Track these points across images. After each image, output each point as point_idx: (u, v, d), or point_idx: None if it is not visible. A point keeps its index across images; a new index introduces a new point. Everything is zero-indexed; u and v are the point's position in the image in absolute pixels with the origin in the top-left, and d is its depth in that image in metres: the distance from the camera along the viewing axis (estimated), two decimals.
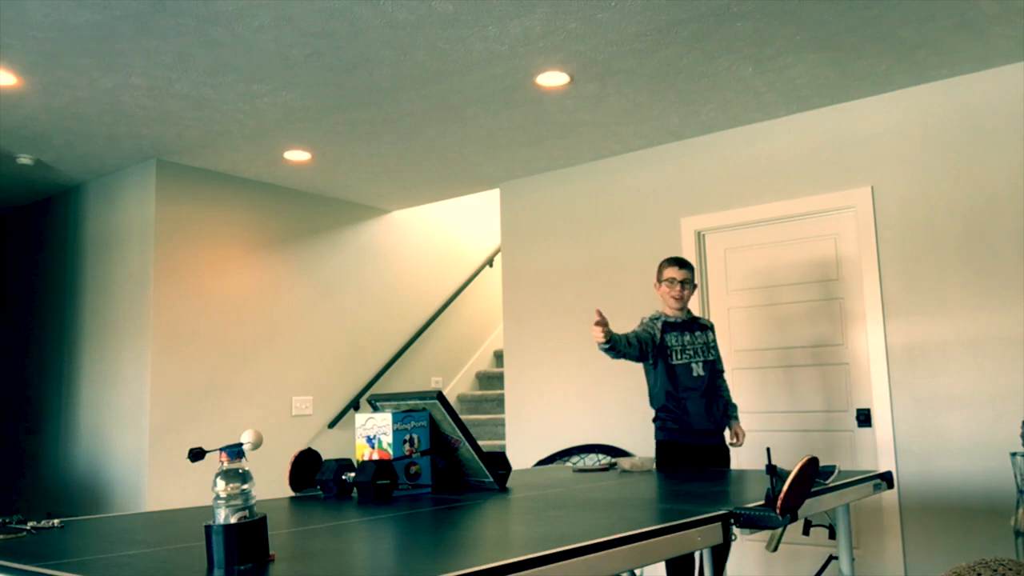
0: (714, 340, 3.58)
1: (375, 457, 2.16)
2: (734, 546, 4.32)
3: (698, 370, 3.46)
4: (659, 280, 3.57)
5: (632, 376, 4.72)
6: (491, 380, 6.63)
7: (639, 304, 4.75)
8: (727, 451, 3.53)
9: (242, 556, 1.11)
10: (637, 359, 3.41)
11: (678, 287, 3.50)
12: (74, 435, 5.08)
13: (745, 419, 4.36)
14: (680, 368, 3.46)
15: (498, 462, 2.24)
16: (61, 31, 3.14)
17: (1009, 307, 3.64)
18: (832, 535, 2.65)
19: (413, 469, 2.16)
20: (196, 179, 4.95)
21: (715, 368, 3.54)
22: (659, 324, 3.50)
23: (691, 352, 3.49)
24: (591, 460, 4.75)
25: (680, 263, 3.54)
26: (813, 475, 1.72)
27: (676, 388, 3.43)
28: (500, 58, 3.48)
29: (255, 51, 3.36)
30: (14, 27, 3.10)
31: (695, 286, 3.57)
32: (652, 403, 3.52)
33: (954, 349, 3.77)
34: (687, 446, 3.42)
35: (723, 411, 3.52)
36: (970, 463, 3.69)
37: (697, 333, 3.54)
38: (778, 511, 1.65)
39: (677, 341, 3.49)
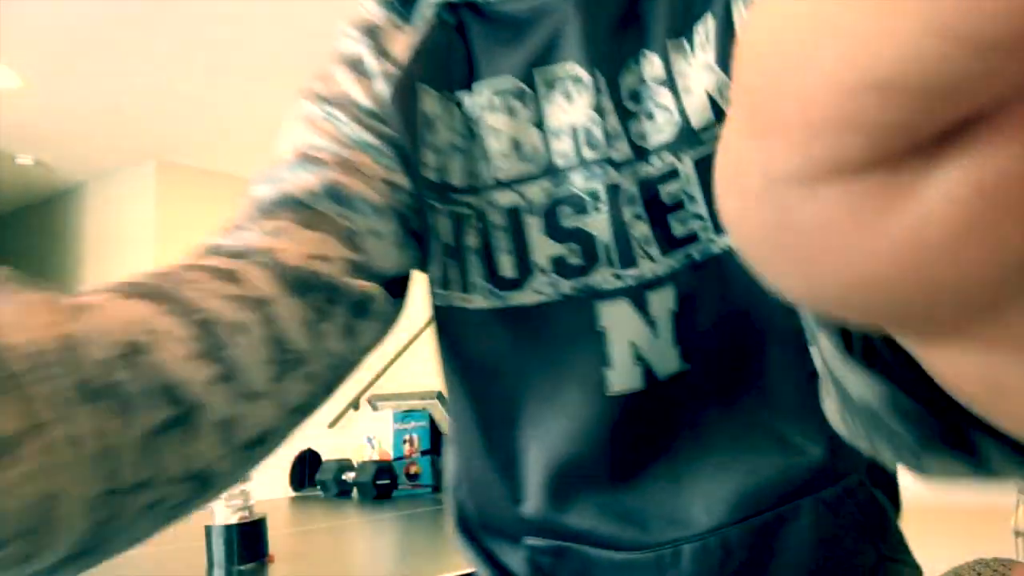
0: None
1: (375, 457, 2.17)
2: None
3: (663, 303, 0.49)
4: None
5: None
6: None
7: None
8: None
9: (241, 556, 1.11)
10: None
11: None
12: None
13: None
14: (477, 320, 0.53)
15: None
16: (62, 31, 3.14)
17: None
18: None
19: (413, 469, 2.16)
20: (196, 180, 4.95)
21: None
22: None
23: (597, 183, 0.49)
24: None
25: None
26: None
27: (479, 419, 0.56)
28: None
29: (255, 51, 3.36)
30: (14, 27, 3.10)
31: None
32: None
33: None
34: None
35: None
36: None
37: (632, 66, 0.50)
38: None
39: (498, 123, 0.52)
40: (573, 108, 0.50)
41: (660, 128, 0.49)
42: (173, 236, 4.81)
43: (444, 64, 0.53)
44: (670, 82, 0.49)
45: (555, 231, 0.51)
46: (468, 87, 0.53)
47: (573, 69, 0.50)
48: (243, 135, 4.39)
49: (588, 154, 0.50)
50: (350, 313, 0.44)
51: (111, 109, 3.96)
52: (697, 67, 0.48)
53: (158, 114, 4.05)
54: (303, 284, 0.41)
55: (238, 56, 3.41)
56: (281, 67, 3.53)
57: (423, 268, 0.53)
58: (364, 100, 0.52)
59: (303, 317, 0.40)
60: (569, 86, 0.50)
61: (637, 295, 0.49)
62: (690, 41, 0.49)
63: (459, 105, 0.53)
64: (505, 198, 0.52)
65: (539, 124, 0.51)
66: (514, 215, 0.51)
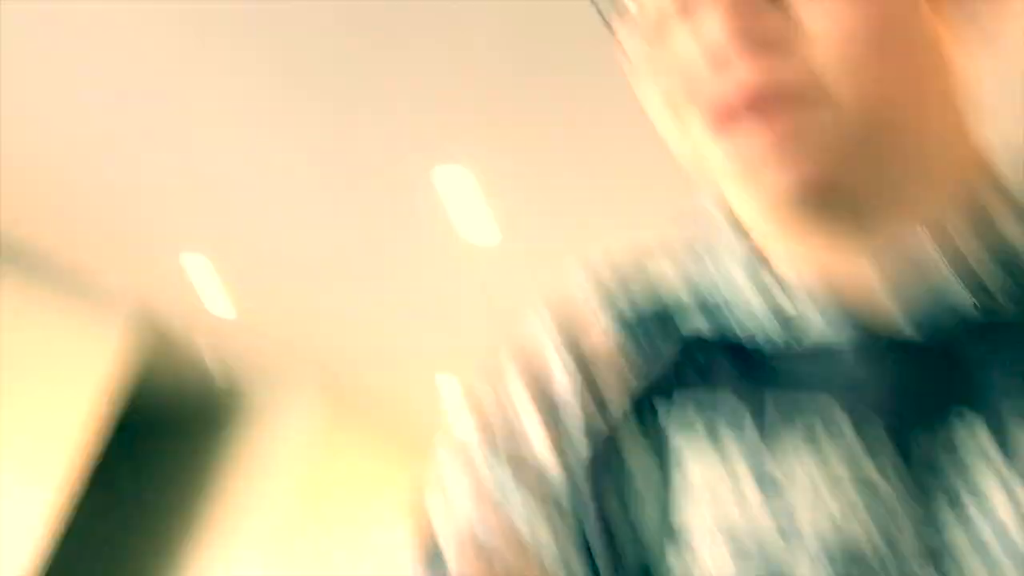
0: None
1: None
2: None
3: None
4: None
5: None
6: None
7: None
8: None
9: None
10: None
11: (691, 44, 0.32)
12: None
13: None
14: None
15: None
16: (274, 262, 3.42)
17: None
18: None
19: None
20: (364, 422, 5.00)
21: None
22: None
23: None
24: None
25: None
26: None
27: None
28: None
29: (446, 332, 3.52)
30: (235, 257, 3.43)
31: None
32: None
33: None
34: None
35: None
36: None
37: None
38: None
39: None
40: (816, 461, 0.32)
41: (977, 531, 0.30)
42: (324, 463, 4.81)
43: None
44: (1008, 463, 0.30)
45: None
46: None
47: (828, 407, 0.33)
48: (418, 379, 4.31)
49: (830, 536, 0.31)
50: None
51: (301, 334, 4.14)
52: None
53: (339, 349, 4.19)
54: None
55: (426, 313, 3.56)
56: (467, 335, 3.60)
57: None
58: (549, 461, 0.36)
59: None
60: (818, 432, 0.32)
61: None
62: None
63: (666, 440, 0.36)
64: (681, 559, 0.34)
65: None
66: None
